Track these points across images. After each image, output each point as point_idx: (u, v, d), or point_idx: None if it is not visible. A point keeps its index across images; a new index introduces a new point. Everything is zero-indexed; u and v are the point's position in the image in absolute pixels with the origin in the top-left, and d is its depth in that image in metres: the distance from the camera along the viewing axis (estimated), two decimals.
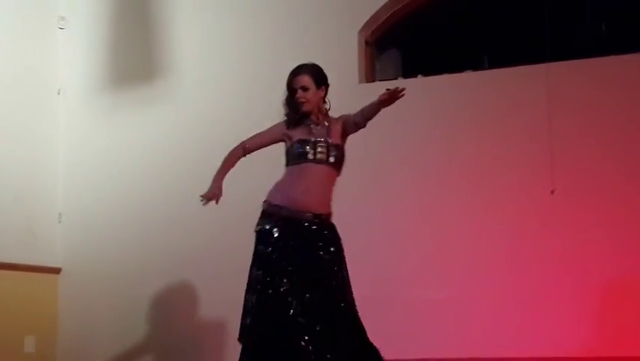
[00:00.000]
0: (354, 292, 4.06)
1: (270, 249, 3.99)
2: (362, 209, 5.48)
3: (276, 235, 3.99)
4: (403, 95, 3.81)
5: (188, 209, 6.05)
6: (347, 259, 4.13)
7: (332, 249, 4.02)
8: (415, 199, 5.52)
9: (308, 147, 4.03)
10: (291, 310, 3.86)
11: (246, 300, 4.04)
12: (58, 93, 6.53)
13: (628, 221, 5.14)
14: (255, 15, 6.16)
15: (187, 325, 6.04)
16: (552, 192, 5.27)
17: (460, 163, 5.50)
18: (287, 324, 3.86)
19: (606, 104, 5.31)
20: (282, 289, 3.91)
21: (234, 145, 5.28)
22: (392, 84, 5.66)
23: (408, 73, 6.00)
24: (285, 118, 4.22)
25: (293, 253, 3.96)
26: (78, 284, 6.33)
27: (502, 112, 5.49)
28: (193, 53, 6.27)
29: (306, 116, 4.13)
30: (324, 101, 4.18)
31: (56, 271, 6.39)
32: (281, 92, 5.86)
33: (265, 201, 4.13)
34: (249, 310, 3.99)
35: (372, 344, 3.99)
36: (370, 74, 6.00)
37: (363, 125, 4.04)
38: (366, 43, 5.98)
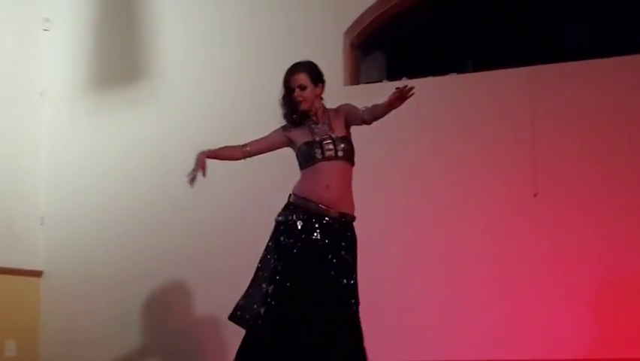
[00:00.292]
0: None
1: (293, 241, 3.98)
2: None
3: (299, 227, 3.99)
4: (412, 95, 3.79)
5: (173, 211, 6.09)
6: None
7: (353, 251, 4.04)
8: (398, 201, 5.53)
9: (315, 149, 4.04)
10: (305, 306, 3.88)
11: (258, 286, 4.02)
12: (41, 95, 6.50)
13: (610, 223, 5.16)
14: (240, 17, 6.16)
15: (173, 327, 6.01)
16: (535, 195, 5.29)
17: (444, 165, 5.51)
18: (299, 319, 3.88)
19: (589, 108, 5.33)
20: (301, 284, 3.92)
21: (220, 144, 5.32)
22: (377, 87, 5.80)
23: (393, 76, 6.00)
24: (283, 121, 4.22)
25: (315, 248, 3.96)
26: (60, 287, 6.30)
27: (485, 115, 5.50)
28: (177, 55, 6.25)
29: (304, 114, 4.13)
30: (321, 98, 4.18)
31: (38, 274, 6.35)
32: (266, 93, 5.83)
33: (291, 194, 4.11)
34: (263, 299, 3.96)
35: (364, 350, 4.00)
36: (355, 77, 6.00)
37: (369, 123, 4.01)
38: (352, 45, 5.99)
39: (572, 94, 5.37)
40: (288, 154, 4.29)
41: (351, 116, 4.08)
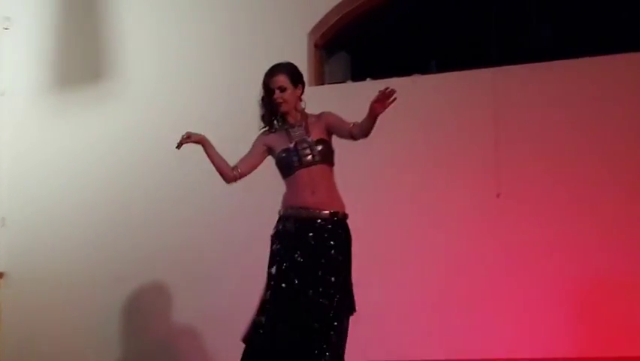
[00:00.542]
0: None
1: (285, 245, 4.00)
2: None
3: (292, 232, 4.00)
4: (395, 99, 3.75)
5: (136, 212, 6.04)
6: None
7: (344, 250, 4.02)
8: (358, 202, 5.51)
9: (292, 157, 4.02)
10: (297, 310, 3.89)
11: (261, 299, 4.02)
12: (1, 94, 6.41)
13: (573, 223, 5.21)
14: (203, 17, 6.12)
15: (135, 331, 5.97)
16: (498, 195, 5.33)
17: (408, 166, 5.53)
18: (292, 323, 3.89)
19: (552, 108, 5.37)
20: (294, 284, 3.92)
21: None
22: (341, 87, 5.81)
23: (357, 76, 6.01)
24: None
25: (307, 248, 3.97)
26: (21, 289, 6.22)
27: (449, 116, 5.53)
28: (140, 54, 6.20)
29: (283, 116, 4.11)
30: (301, 100, 4.16)
31: None
32: (228, 91, 5.93)
33: (280, 209, 4.11)
34: (263, 307, 3.97)
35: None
36: (319, 77, 6.00)
37: (357, 139, 4.00)
38: (316, 46, 5.99)
39: (535, 95, 5.41)
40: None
41: (337, 129, 4.06)
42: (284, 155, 4.06)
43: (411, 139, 5.55)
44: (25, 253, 6.26)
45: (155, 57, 6.19)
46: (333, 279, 3.93)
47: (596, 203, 5.20)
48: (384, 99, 3.74)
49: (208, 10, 6.10)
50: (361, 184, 5.54)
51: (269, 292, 3.97)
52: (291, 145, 4.04)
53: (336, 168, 4.02)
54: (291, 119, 4.11)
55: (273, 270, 3.99)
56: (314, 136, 4.05)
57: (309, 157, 4.01)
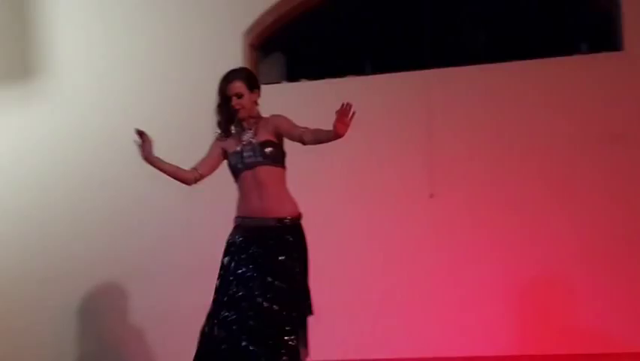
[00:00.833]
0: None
1: (229, 257, 4.00)
2: None
3: (239, 243, 3.99)
4: (353, 114, 3.66)
5: (72, 210, 5.94)
6: None
7: (294, 254, 3.98)
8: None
9: (236, 159, 4.02)
10: (241, 315, 3.87)
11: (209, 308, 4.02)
12: None
13: (504, 223, 5.32)
14: (137, 16, 6.04)
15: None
16: (431, 195, 5.39)
17: (341, 167, 5.55)
18: (235, 329, 3.87)
19: (484, 111, 5.48)
20: (235, 295, 3.91)
21: (116, 144, 5.22)
22: (276, 88, 5.79)
23: (292, 77, 6.03)
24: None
25: (251, 259, 3.94)
26: None
27: (382, 117, 5.57)
28: (71, 52, 6.09)
29: (239, 121, 4.08)
30: (257, 104, 4.13)
31: None
32: (160, 91, 5.87)
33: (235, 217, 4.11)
34: (207, 317, 3.98)
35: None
36: None
37: (307, 145, 3.93)
38: (251, 46, 5.97)
39: (467, 97, 5.51)
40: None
41: (286, 132, 4.02)
42: (231, 158, 4.06)
43: (344, 140, 5.53)
44: None
45: (84, 55, 6.08)
46: (284, 285, 3.91)
47: (528, 202, 5.32)
48: (343, 117, 3.66)
49: (140, 9, 6.02)
50: (293, 186, 5.55)
51: (211, 305, 3.99)
52: (238, 148, 4.04)
53: None
54: (245, 124, 4.09)
55: (218, 283, 4.01)
56: (260, 138, 4.03)
57: (252, 158, 3.99)
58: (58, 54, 6.09)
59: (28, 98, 6.10)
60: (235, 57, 5.83)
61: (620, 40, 5.39)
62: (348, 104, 3.65)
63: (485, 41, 5.92)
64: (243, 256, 3.97)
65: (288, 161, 4.08)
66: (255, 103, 4.11)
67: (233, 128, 4.13)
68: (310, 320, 4.03)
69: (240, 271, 3.95)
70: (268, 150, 4.00)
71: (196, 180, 4.11)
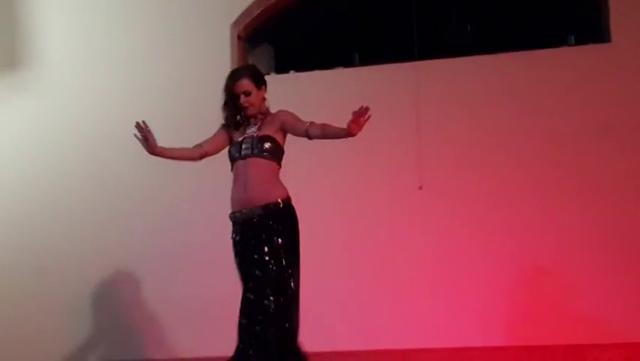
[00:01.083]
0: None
1: (235, 256, 4.01)
2: None
3: (238, 241, 4.00)
4: (369, 117, 3.73)
5: (55, 202, 5.90)
6: None
7: (276, 239, 3.93)
8: None
9: (235, 149, 4.04)
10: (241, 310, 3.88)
11: None
12: None
13: (493, 214, 5.34)
14: (124, 7, 6.02)
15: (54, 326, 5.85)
16: (420, 187, 5.40)
17: (330, 159, 5.54)
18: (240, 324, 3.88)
19: (472, 102, 5.49)
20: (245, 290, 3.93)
21: (103, 133, 5.17)
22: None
23: (280, 69, 6.01)
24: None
25: (244, 252, 3.96)
26: None
27: (371, 109, 5.55)
28: (57, 43, 6.05)
29: (248, 117, 4.08)
30: (264, 99, 4.12)
31: None
32: (149, 82, 5.84)
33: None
34: None
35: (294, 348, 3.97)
36: None
37: (313, 139, 3.96)
38: (239, 37, 5.95)
39: (456, 89, 5.52)
40: None
41: (290, 127, 4.03)
42: (231, 148, 4.08)
43: None
44: None
45: (70, 46, 6.05)
46: (260, 274, 3.87)
47: (517, 193, 5.34)
48: (358, 118, 3.71)
49: (132, 3, 5.99)
50: (283, 178, 5.55)
51: None
52: (240, 139, 4.05)
53: None
54: (252, 119, 4.10)
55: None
56: (262, 132, 4.04)
57: (248, 150, 4.00)
58: (45, 45, 6.05)
59: (14, 89, 6.06)
60: (223, 48, 5.82)
61: (608, 32, 5.41)
62: (366, 107, 3.71)
63: (473, 33, 5.93)
64: (241, 252, 3.98)
65: (285, 151, 4.08)
66: (263, 99, 4.12)
67: (239, 118, 4.12)
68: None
69: (241, 267, 3.98)
70: (266, 144, 4.01)
71: (201, 157, 4.12)
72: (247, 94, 4.03)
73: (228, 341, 3.91)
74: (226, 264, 4.07)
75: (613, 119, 5.30)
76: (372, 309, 5.36)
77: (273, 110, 4.12)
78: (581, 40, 5.52)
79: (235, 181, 4.03)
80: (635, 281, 5.10)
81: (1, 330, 5.84)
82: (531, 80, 5.44)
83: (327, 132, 3.88)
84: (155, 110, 5.66)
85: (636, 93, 5.30)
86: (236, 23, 5.89)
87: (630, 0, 5.38)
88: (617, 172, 5.25)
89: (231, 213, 4.04)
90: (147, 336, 5.69)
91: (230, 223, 4.05)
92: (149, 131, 3.92)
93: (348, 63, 5.81)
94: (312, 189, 5.49)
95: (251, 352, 3.81)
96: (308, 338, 4.05)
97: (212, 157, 4.15)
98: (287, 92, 5.37)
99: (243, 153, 4.01)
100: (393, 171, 5.50)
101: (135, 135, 3.92)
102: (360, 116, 3.71)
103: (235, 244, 4.02)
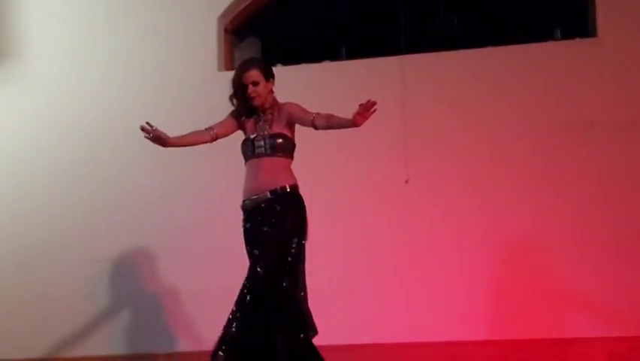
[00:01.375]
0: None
1: (245, 243, 4.09)
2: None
3: (248, 227, 4.08)
4: (375, 110, 3.82)
5: (39, 194, 5.88)
6: None
7: (282, 223, 4.01)
8: None
9: (247, 146, 4.12)
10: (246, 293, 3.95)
11: None
12: None
13: (479, 209, 5.35)
14: (111, 0, 5.99)
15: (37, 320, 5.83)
16: (406, 181, 5.40)
17: (317, 153, 5.52)
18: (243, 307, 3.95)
19: (459, 96, 5.50)
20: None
21: (90, 126, 5.14)
22: None
23: (267, 61, 5.94)
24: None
25: (251, 237, 4.05)
26: None
27: (358, 102, 5.50)
28: (44, 35, 6.03)
29: (256, 109, 4.13)
30: (272, 92, 4.18)
31: None
32: (137, 74, 5.83)
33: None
34: None
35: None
36: (230, 62, 5.96)
37: (319, 129, 4.04)
38: (226, 30, 5.95)
39: (443, 82, 5.53)
40: None
41: (298, 119, 4.11)
42: (243, 144, 4.15)
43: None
44: None
45: (57, 39, 6.02)
46: (262, 256, 3.96)
47: (503, 187, 5.35)
48: (365, 111, 3.80)
49: None
50: None
51: None
52: (252, 136, 4.11)
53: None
54: (262, 114, 4.15)
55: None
56: (274, 129, 4.11)
57: (261, 149, 4.08)
58: (32, 37, 6.02)
59: (0, 80, 6.03)
60: (210, 41, 5.81)
61: (594, 26, 5.42)
62: (373, 101, 3.79)
63: (460, 27, 5.93)
64: (249, 237, 4.06)
65: None
66: (271, 92, 4.17)
67: (251, 112, 4.17)
68: None
69: (251, 252, 4.05)
70: (279, 141, 4.09)
71: (213, 139, 4.16)
72: (255, 84, 4.09)
73: None
74: (233, 259, 4.14)
75: (599, 113, 5.31)
76: (357, 303, 5.36)
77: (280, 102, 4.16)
78: (568, 35, 5.54)
79: (247, 175, 4.12)
80: (620, 275, 5.12)
81: None
82: (517, 74, 5.46)
83: (332, 123, 3.97)
84: (141, 103, 5.67)
85: (622, 88, 5.31)
86: (223, 16, 5.88)
87: None
88: (603, 166, 5.27)
89: (243, 202, 4.11)
90: (145, 329, 5.69)
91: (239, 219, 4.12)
92: (155, 129, 3.94)
93: (335, 57, 5.81)
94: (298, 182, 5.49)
95: (253, 331, 3.88)
96: None
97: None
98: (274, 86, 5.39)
99: (256, 152, 4.08)
100: (379, 165, 5.50)
101: (145, 137, 3.94)
102: (367, 110, 3.80)
103: (245, 231, 4.09)
